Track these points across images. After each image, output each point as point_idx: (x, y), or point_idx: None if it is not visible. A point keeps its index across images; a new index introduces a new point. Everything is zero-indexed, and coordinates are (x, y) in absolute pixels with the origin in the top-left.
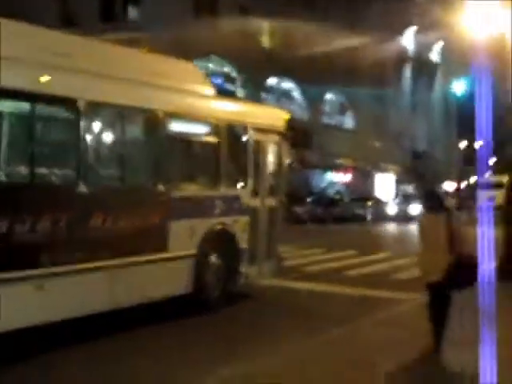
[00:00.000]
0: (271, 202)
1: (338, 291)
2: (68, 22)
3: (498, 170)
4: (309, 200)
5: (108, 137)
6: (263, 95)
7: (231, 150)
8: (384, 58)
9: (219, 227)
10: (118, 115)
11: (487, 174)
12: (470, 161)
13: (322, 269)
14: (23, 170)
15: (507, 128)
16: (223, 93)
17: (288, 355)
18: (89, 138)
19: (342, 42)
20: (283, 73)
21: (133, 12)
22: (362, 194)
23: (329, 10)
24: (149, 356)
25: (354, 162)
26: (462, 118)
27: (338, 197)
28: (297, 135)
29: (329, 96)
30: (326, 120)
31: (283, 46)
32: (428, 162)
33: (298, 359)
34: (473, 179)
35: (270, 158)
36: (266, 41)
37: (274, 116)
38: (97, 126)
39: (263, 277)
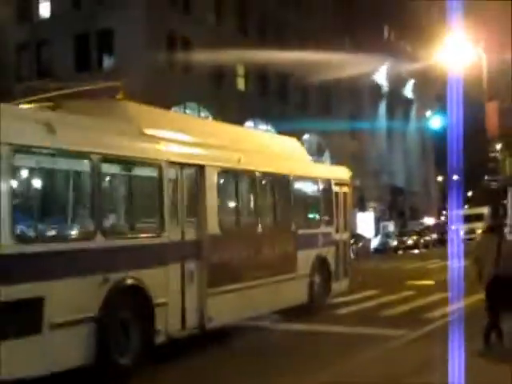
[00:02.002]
0: (345, 235)
1: (327, 330)
2: (44, 74)
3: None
4: None
5: (265, 195)
6: None
7: (324, 198)
8: (359, 95)
9: (320, 255)
10: (269, 180)
11: (465, 207)
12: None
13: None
14: (231, 221)
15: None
16: None
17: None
18: (262, 196)
19: (318, 75)
20: (258, 116)
21: (107, 61)
22: None
23: (302, 48)
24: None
25: None
26: (439, 152)
27: None
28: None
29: (306, 137)
30: None
31: (257, 87)
32: (407, 197)
33: None
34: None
35: (343, 203)
36: (240, 83)
37: (343, 172)
38: (260, 189)
39: (342, 291)
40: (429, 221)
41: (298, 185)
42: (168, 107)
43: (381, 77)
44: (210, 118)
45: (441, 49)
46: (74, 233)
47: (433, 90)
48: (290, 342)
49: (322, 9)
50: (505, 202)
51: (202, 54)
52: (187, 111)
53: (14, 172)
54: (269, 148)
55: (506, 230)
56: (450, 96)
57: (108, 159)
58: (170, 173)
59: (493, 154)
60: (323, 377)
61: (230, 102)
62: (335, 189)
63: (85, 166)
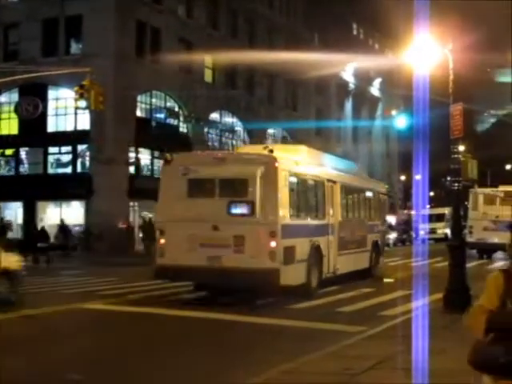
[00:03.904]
0: (384, 227)
1: (285, 324)
2: (11, 57)
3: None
4: None
5: (356, 199)
6: (206, 129)
7: (376, 202)
8: (326, 91)
9: (374, 238)
10: (357, 190)
11: (427, 207)
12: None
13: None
14: (348, 214)
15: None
16: (167, 127)
17: None
18: (355, 200)
19: (286, 71)
20: (225, 107)
21: (75, 47)
22: None
23: (271, 42)
24: None
25: None
26: (403, 151)
27: None
28: None
29: (271, 131)
30: None
31: (224, 79)
32: None
33: None
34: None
35: (383, 206)
36: (207, 75)
37: (383, 186)
38: (354, 195)
39: (381, 265)
40: (390, 219)
41: (366, 193)
42: (134, 94)
43: (348, 74)
44: (177, 107)
45: (408, 48)
46: (302, 215)
47: (399, 90)
48: (249, 336)
49: (292, 4)
50: (466, 203)
51: (171, 45)
52: (153, 100)
53: (287, 185)
54: (354, 170)
55: (465, 231)
56: (416, 96)
57: (311, 179)
58: (325, 185)
59: (455, 156)
60: (280, 370)
61: (197, 92)
62: (380, 197)
63: (305, 182)
